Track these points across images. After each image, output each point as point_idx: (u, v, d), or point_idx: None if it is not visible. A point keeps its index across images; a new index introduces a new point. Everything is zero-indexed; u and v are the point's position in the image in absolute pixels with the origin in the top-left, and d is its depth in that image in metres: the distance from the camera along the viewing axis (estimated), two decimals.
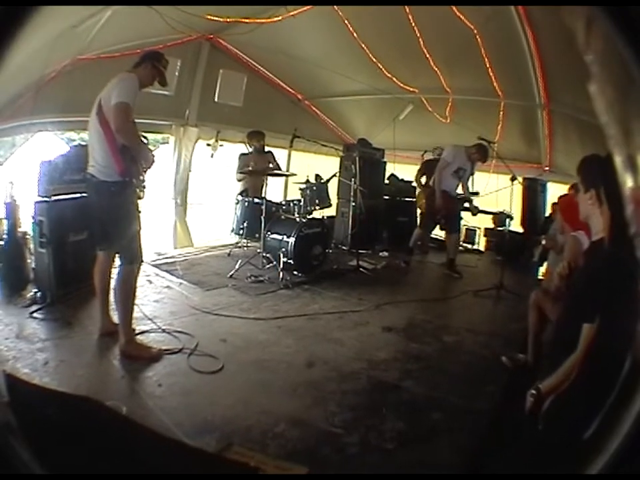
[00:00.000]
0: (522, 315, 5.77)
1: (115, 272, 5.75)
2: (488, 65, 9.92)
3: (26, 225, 7.10)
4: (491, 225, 13.20)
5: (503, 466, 3.29)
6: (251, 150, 10.65)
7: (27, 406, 2.15)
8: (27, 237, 7.09)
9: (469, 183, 11.04)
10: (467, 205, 11.46)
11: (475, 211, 11.37)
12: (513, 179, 9.33)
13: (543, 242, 9.50)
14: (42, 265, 6.76)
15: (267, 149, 10.86)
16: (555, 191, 10.74)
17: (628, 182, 1.56)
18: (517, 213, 10.80)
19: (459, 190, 10.53)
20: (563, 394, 2.96)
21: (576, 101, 9.45)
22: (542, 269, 9.49)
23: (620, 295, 2.59)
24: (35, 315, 6.28)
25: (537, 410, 3.15)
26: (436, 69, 10.75)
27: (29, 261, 7.04)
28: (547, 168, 12.30)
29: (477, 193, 11.06)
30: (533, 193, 11.26)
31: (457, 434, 4.52)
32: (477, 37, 9.10)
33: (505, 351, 6.14)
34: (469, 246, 13.77)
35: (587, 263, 3.50)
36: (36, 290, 6.76)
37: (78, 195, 6.80)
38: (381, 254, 11.84)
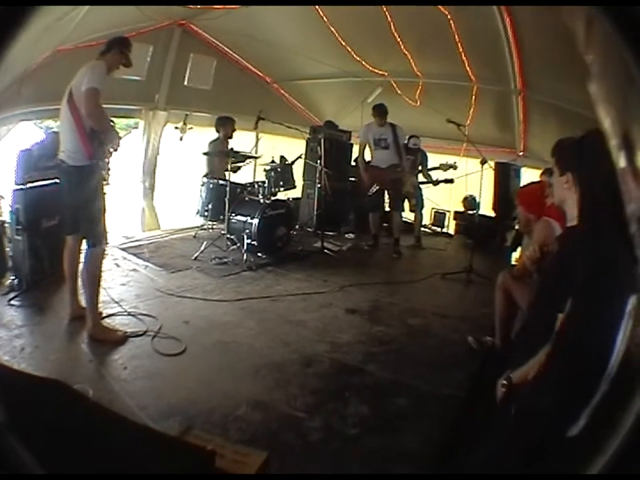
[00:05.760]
0: (492, 299, 5.69)
1: (82, 256, 5.77)
2: (461, 50, 9.91)
3: (7, 214, 7.07)
4: (461, 209, 13.18)
5: (472, 455, 3.26)
6: (219, 136, 10.63)
7: (8, 390, 2.15)
8: (6, 225, 7.06)
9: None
10: (421, 177, 11.65)
11: (435, 182, 11.58)
12: (483, 162, 9.28)
13: (517, 227, 9.51)
14: (18, 252, 6.79)
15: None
16: (530, 176, 10.72)
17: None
18: (488, 197, 10.76)
19: (395, 160, 10.49)
20: (536, 385, 2.92)
21: (553, 87, 9.49)
22: (515, 254, 9.48)
23: (595, 284, 2.57)
24: (12, 302, 6.31)
25: (508, 400, 3.11)
26: (406, 53, 10.75)
27: (7, 249, 7.01)
28: (521, 153, 12.31)
29: (454, 166, 11.08)
30: (505, 177, 11.15)
31: (422, 420, 4.50)
32: (451, 21, 9.08)
33: (473, 334, 6.15)
34: (438, 229, 13.81)
35: (562, 249, 3.44)
36: (13, 277, 6.78)
37: (50, 182, 6.82)
38: (346, 236, 11.92)
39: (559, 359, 2.64)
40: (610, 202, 2.20)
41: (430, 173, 11.69)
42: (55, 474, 1.86)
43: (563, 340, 2.65)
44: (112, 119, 5.90)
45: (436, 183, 11.58)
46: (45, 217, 6.96)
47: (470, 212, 12.25)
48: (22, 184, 6.75)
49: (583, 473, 1.57)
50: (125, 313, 6.28)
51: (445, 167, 11.01)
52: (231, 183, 9.41)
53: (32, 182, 6.86)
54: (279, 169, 10.24)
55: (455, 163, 10.95)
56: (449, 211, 13.79)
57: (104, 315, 6.03)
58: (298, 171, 11.53)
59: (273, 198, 9.87)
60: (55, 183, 6.33)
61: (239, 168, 10.50)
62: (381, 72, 12.15)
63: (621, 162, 1.51)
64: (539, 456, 2.36)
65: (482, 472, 2.72)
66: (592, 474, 1.52)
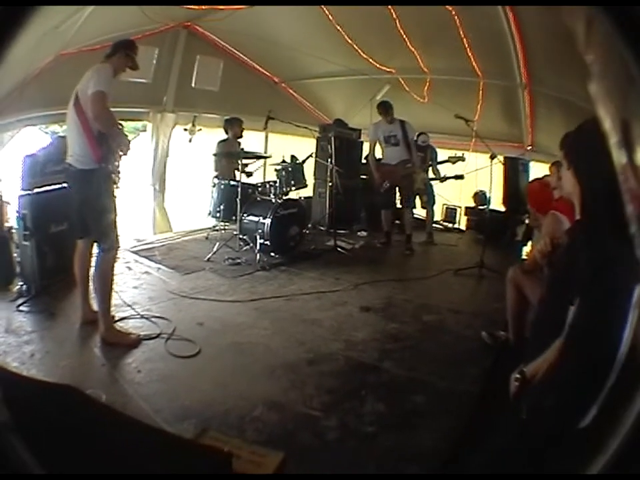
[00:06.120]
0: (504, 294, 5.63)
1: (94, 260, 5.76)
2: (467, 45, 9.89)
3: (13, 220, 7.09)
4: (472, 204, 13.18)
5: (487, 453, 3.24)
6: (228, 136, 10.66)
7: (17, 397, 2.14)
8: (13, 231, 7.08)
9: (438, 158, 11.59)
10: (431, 174, 11.65)
11: (442, 178, 11.58)
12: (493, 157, 9.28)
13: (527, 221, 9.50)
14: (26, 258, 6.79)
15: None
16: (538, 170, 10.71)
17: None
18: (498, 192, 10.75)
19: (405, 156, 10.54)
20: (548, 379, 2.91)
21: (559, 81, 9.46)
22: (526, 249, 9.47)
23: (599, 276, 2.56)
24: (21, 308, 6.31)
25: (521, 394, 3.10)
26: (413, 50, 10.72)
27: (14, 255, 7.03)
28: (529, 147, 12.27)
29: (462, 158, 11.03)
30: (514, 172, 11.20)
31: (439, 417, 4.49)
32: (456, 17, 9.07)
33: (487, 329, 6.13)
34: (450, 225, 13.82)
35: (571, 242, 3.42)
36: (22, 283, 6.78)
37: (58, 186, 6.82)
38: (359, 233, 11.93)
39: (568, 353, 2.63)
40: (608, 194, 2.18)
41: (439, 167, 11.68)
42: (56, 474, 1.84)
43: (572, 334, 2.63)
44: (120, 122, 5.89)
45: (443, 179, 11.59)
46: (53, 222, 6.97)
47: (481, 207, 12.22)
48: (28, 189, 6.76)
49: (582, 473, 1.55)
50: (138, 316, 6.29)
51: (453, 160, 10.95)
52: (242, 183, 9.43)
53: (38, 187, 6.87)
54: (289, 168, 10.27)
55: (463, 154, 10.91)
56: (460, 207, 13.79)
57: (116, 318, 6.03)
58: (309, 169, 11.56)
59: (284, 197, 9.88)
60: (63, 187, 6.37)
61: (251, 174, 10.57)
62: (388, 69, 12.15)
63: (622, 161, 1.50)
64: (549, 450, 2.35)
65: (494, 468, 2.72)
66: (592, 474, 1.50)
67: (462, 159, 10.84)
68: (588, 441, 1.98)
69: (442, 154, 11.91)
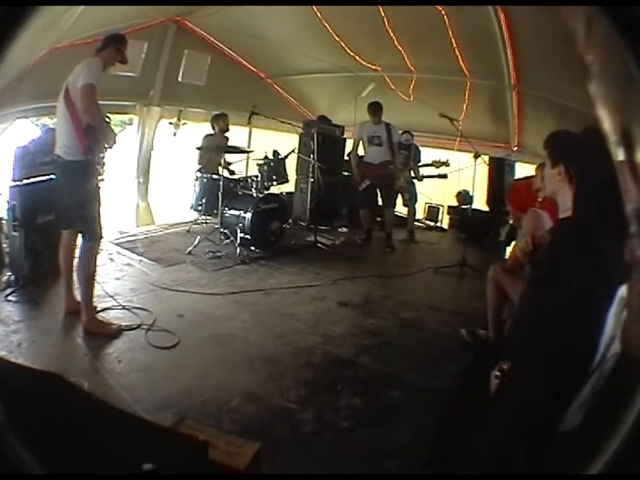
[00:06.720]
0: (485, 292, 5.68)
1: (77, 251, 5.80)
2: (455, 45, 9.92)
3: (3, 211, 7.09)
4: (455, 203, 13.17)
5: (465, 448, 3.27)
6: (215, 131, 10.67)
7: (8, 383, 2.19)
8: (3, 222, 7.07)
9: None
10: (412, 174, 11.66)
11: (421, 177, 11.65)
12: (477, 156, 9.30)
13: (511, 221, 9.54)
14: (15, 249, 6.80)
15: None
16: (524, 171, 10.75)
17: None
18: (481, 191, 10.79)
19: (387, 157, 10.56)
20: (525, 377, 2.93)
21: (548, 82, 9.50)
22: (509, 248, 9.49)
23: (586, 274, 2.59)
24: (9, 298, 6.33)
25: (501, 392, 3.12)
26: (400, 48, 10.74)
27: (4, 245, 7.03)
28: (515, 148, 12.32)
29: (446, 163, 11.02)
30: (499, 172, 11.26)
31: (416, 413, 4.52)
32: (445, 17, 9.10)
33: (466, 327, 6.17)
34: (432, 223, 13.88)
35: (555, 240, 3.44)
36: (10, 273, 6.80)
37: (47, 177, 6.86)
38: (339, 230, 12.03)
39: (547, 346, 2.68)
40: (604, 195, 2.23)
41: (421, 169, 11.70)
42: (55, 474, 1.88)
43: (552, 328, 2.68)
44: (107, 114, 5.94)
45: (420, 178, 11.68)
46: (40, 213, 6.97)
47: (463, 206, 12.22)
48: (19, 180, 6.78)
49: (582, 473, 1.59)
50: (120, 307, 6.32)
51: (437, 164, 10.95)
52: (224, 177, 9.50)
53: (28, 178, 6.88)
54: (271, 164, 10.28)
55: (448, 160, 10.90)
56: (442, 205, 13.84)
57: (99, 308, 6.06)
58: (291, 165, 11.55)
59: (266, 192, 9.92)
60: (51, 178, 6.39)
61: (234, 172, 10.69)
62: (374, 67, 12.15)
63: (620, 161, 1.54)
64: (531, 445, 2.39)
65: (475, 461, 2.75)
66: (592, 474, 1.54)
67: (446, 164, 10.85)
68: (587, 441, 2.02)
69: (426, 153, 12.02)
